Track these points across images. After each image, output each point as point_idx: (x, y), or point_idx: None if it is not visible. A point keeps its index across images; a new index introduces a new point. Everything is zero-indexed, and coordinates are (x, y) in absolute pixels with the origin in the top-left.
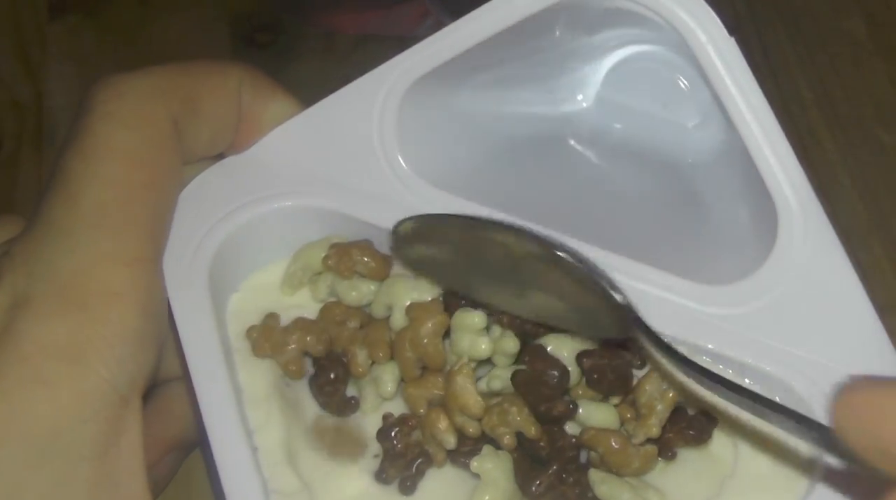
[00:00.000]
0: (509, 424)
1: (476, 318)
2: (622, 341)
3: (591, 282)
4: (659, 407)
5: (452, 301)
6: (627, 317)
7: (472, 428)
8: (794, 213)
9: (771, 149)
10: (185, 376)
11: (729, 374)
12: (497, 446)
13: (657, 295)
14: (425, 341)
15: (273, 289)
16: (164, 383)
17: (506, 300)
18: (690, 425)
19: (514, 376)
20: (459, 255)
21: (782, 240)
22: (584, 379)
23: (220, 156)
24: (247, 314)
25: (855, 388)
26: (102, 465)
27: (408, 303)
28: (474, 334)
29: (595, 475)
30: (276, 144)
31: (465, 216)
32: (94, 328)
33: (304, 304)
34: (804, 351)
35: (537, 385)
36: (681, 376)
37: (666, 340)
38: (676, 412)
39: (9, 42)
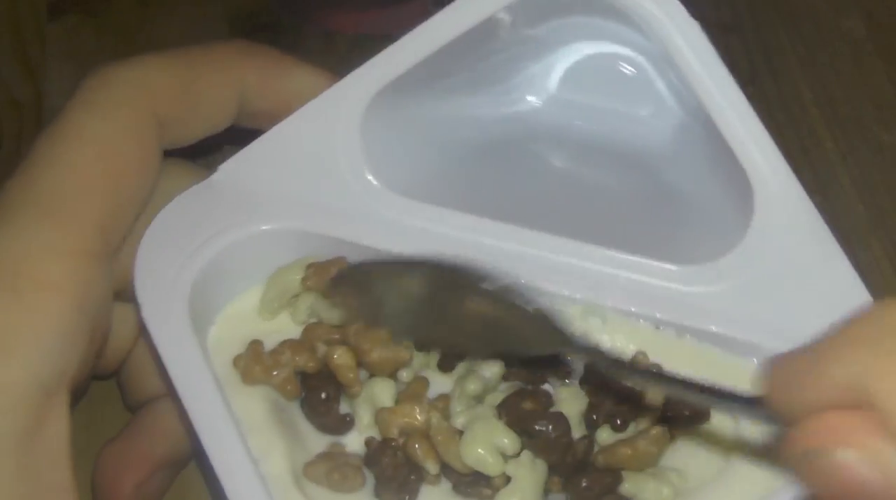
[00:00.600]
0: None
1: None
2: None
3: (504, 298)
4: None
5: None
6: (547, 326)
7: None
8: (769, 185)
9: (742, 124)
10: (181, 412)
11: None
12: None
13: (638, 280)
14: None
15: (251, 317)
16: (149, 401)
17: (432, 332)
18: (686, 405)
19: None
20: (383, 299)
21: (759, 213)
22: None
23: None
24: (228, 345)
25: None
26: (25, 457)
27: None
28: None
29: None
30: (238, 169)
31: (374, 263)
32: (24, 317)
33: (284, 328)
34: (790, 322)
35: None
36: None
37: (593, 345)
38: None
39: (8, 42)
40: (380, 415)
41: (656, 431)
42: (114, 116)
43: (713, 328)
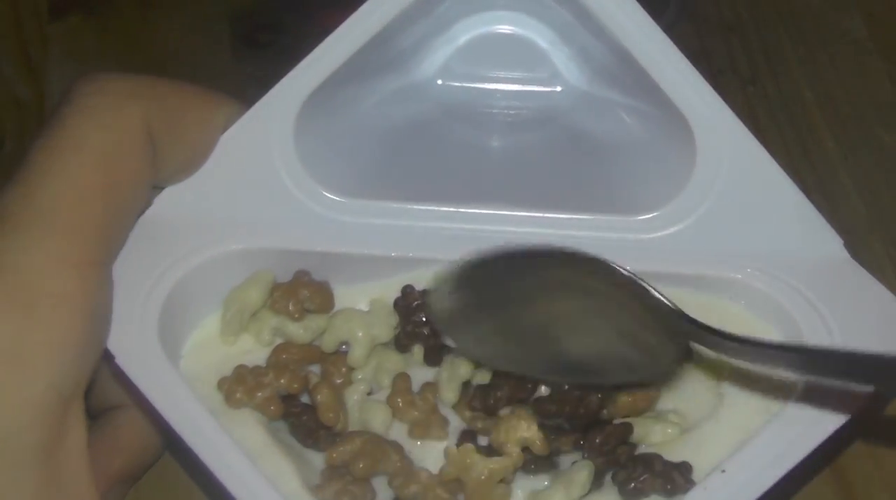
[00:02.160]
0: (517, 439)
1: None
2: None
3: (637, 288)
4: None
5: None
6: (681, 321)
7: None
8: (707, 120)
9: (671, 65)
10: (178, 444)
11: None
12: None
13: (600, 237)
14: None
15: (216, 344)
16: (106, 412)
17: (542, 360)
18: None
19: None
20: (490, 310)
21: (702, 148)
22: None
23: None
24: (202, 377)
25: None
26: (48, 469)
27: (360, 334)
28: None
29: None
30: (175, 197)
31: (489, 255)
32: (39, 332)
33: (252, 349)
34: (752, 248)
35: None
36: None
37: (724, 330)
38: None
39: (10, 42)
40: (395, 481)
41: (641, 395)
42: (110, 123)
43: (680, 270)
